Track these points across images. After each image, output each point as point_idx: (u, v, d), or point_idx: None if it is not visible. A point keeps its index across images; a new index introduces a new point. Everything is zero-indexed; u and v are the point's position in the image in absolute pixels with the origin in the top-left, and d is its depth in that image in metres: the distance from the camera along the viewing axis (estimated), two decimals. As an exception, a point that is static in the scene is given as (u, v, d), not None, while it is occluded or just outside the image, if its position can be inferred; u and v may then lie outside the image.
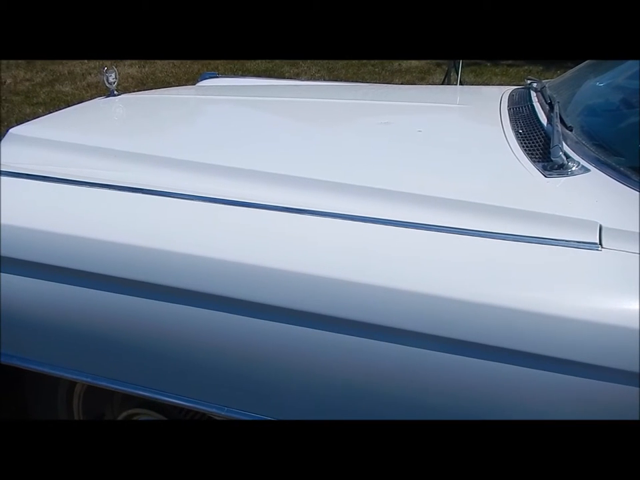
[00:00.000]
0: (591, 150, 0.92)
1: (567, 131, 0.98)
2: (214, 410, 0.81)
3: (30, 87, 4.23)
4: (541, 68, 4.32)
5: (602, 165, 0.87)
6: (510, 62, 4.56)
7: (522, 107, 1.20)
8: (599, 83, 1.23)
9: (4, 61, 4.81)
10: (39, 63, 4.84)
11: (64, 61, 4.89)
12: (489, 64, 4.51)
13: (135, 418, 1.04)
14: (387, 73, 4.46)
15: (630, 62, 1.14)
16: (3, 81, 4.34)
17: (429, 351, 0.70)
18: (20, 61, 4.84)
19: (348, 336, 0.72)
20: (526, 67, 4.41)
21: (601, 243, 0.72)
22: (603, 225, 0.75)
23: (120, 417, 1.05)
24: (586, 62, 1.35)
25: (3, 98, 3.96)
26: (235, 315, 0.77)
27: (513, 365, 0.68)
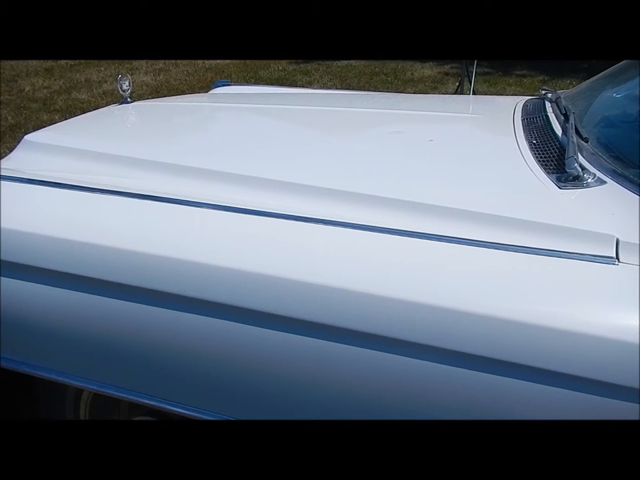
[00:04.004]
0: (608, 162, 0.90)
1: (583, 142, 0.96)
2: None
3: (48, 95, 4.31)
4: (555, 78, 4.29)
5: (619, 176, 0.85)
6: (524, 72, 4.54)
7: (536, 118, 1.18)
8: (615, 94, 1.22)
9: (23, 69, 4.91)
10: (57, 70, 4.93)
11: (81, 69, 4.98)
12: (500, 73, 4.49)
13: (141, 426, 1.03)
14: (400, 82, 4.46)
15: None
16: (22, 88, 4.43)
17: (437, 364, 0.69)
18: (39, 69, 4.94)
19: (354, 347, 0.71)
20: (540, 77, 4.39)
21: (618, 257, 0.71)
22: (620, 238, 0.73)
23: (126, 425, 1.05)
24: (601, 73, 1.34)
25: (22, 105, 4.03)
26: (241, 324, 0.76)
27: (527, 381, 0.66)
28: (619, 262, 0.70)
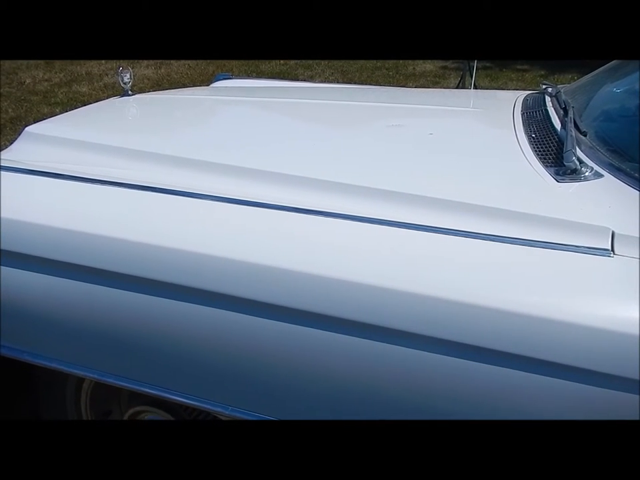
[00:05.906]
0: (605, 155, 0.90)
1: (581, 136, 0.97)
2: (219, 409, 0.81)
3: (48, 87, 4.30)
4: (556, 73, 4.28)
5: (616, 170, 0.86)
6: (526, 66, 4.52)
7: (536, 112, 1.19)
8: (614, 88, 1.22)
9: (23, 62, 4.89)
10: (57, 63, 4.92)
11: (82, 62, 4.96)
12: (504, 69, 4.48)
13: (141, 416, 1.05)
14: (401, 77, 4.45)
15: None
16: (23, 81, 4.42)
17: (434, 354, 0.69)
18: (39, 62, 4.92)
19: (354, 337, 0.72)
20: (542, 72, 4.37)
21: (613, 250, 0.71)
22: (616, 231, 0.73)
23: (127, 415, 1.06)
24: (601, 68, 1.34)
25: (22, 98, 4.02)
26: (241, 314, 0.77)
27: (522, 371, 0.67)
28: (614, 254, 0.71)
